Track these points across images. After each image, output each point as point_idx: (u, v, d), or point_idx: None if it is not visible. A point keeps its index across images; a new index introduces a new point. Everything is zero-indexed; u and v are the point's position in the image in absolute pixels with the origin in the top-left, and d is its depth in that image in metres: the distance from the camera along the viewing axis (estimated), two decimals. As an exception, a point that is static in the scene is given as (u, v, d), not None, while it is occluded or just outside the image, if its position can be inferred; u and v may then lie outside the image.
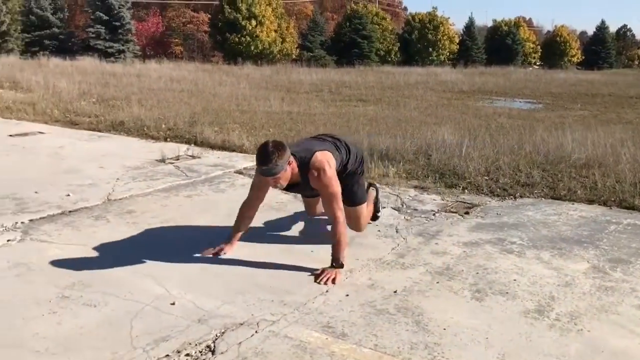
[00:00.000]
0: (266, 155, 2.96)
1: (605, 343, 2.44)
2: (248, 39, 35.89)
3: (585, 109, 16.88)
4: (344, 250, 3.09)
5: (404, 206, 4.46)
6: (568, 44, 55.60)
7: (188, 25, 49.23)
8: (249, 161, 5.87)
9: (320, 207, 3.67)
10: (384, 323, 2.57)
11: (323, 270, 3.04)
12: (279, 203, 4.37)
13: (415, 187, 5.06)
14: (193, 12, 50.20)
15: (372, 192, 3.86)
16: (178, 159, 5.92)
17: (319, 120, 9.92)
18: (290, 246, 3.56)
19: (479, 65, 45.05)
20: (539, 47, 57.24)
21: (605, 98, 19.95)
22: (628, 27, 66.16)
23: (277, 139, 3.17)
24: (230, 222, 3.42)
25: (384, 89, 21.09)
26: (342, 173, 3.33)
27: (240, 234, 3.33)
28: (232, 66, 31.48)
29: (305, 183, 3.18)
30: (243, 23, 35.65)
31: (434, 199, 4.67)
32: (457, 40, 48.59)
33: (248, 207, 3.33)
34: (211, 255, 3.25)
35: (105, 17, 32.22)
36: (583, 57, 56.30)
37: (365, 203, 3.59)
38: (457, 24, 61.38)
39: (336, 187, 3.13)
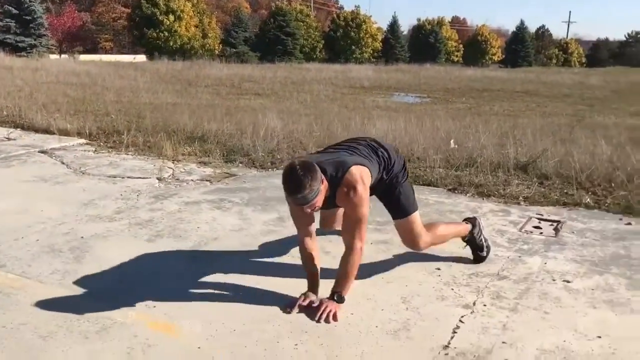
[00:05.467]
0: (298, 182, 2.44)
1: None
2: (166, 34, 35.97)
3: (467, 102, 18.03)
4: (351, 284, 2.64)
5: (172, 177, 5.03)
6: (489, 43, 57.95)
7: (119, 21, 48.80)
8: (62, 142, 6.33)
9: (337, 222, 3.28)
10: (46, 255, 3.12)
11: (321, 303, 2.57)
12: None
13: (200, 162, 5.65)
14: (124, 7, 49.67)
15: (462, 226, 3.24)
16: (-5, 141, 6.33)
17: (181, 110, 10.38)
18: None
19: (402, 63, 46.51)
20: (461, 45, 59.44)
21: (492, 93, 21.28)
22: (546, 27, 69.63)
23: (303, 159, 2.71)
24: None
25: (288, 84, 21.69)
26: (381, 182, 2.93)
27: (317, 276, 2.72)
28: (146, 61, 31.53)
29: (331, 200, 2.70)
30: (161, 18, 35.71)
31: (204, 172, 5.26)
32: (380, 38, 49.96)
33: (307, 244, 2.75)
34: (299, 308, 2.59)
35: (15, 11, 31.60)
36: (504, 56, 58.79)
37: (417, 212, 3.01)
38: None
39: (365, 209, 2.65)
